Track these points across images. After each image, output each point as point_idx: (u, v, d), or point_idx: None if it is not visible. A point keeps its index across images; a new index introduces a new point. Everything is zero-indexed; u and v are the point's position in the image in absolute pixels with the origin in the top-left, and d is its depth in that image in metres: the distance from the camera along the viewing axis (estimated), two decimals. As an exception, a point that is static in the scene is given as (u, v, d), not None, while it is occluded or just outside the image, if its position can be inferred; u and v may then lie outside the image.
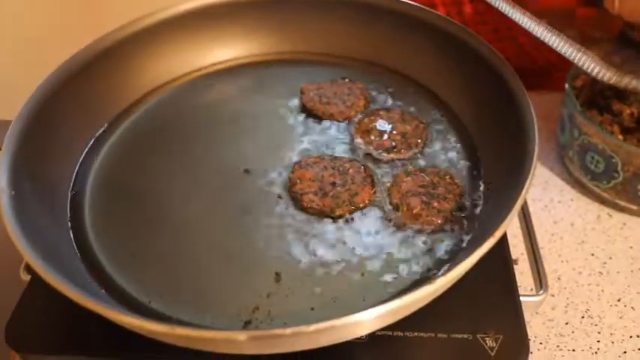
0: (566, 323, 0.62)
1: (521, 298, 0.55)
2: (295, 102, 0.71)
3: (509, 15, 0.60)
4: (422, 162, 0.63)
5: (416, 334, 0.52)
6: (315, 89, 0.71)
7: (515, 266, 0.59)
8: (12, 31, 0.94)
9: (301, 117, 0.69)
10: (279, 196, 0.60)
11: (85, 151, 0.65)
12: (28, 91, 0.61)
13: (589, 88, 0.75)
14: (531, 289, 0.61)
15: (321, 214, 0.58)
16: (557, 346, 0.60)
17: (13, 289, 0.56)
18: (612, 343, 0.60)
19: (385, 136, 0.65)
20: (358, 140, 0.65)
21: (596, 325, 0.62)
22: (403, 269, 0.53)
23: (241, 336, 0.41)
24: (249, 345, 0.43)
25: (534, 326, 0.62)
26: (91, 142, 0.66)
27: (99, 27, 0.70)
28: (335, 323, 0.41)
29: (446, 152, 0.64)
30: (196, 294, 0.53)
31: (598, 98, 0.74)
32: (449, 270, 0.44)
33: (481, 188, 0.60)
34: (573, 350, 0.60)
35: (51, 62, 0.64)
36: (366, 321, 0.43)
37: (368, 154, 0.64)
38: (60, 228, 0.57)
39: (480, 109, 0.65)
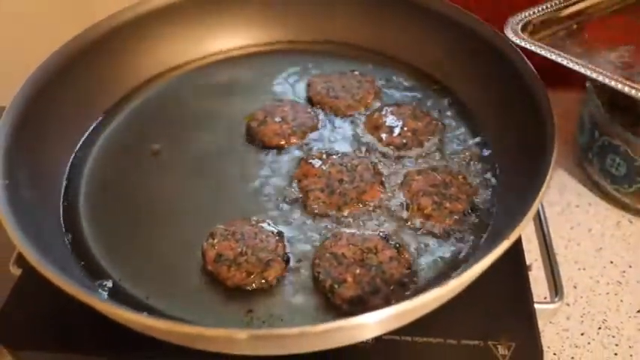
0: (582, 334, 0.64)
1: (536, 306, 0.56)
2: (302, 94, 0.72)
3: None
4: (433, 160, 0.64)
5: (425, 339, 0.53)
6: (323, 82, 0.73)
7: (528, 272, 0.60)
8: (6, 18, 0.96)
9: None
10: (284, 193, 0.61)
11: (80, 141, 0.67)
12: (22, 78, 0.62)
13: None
14: (545, 297, 0.62)
15: (327, 212, 0.59)
16: (572, 358, 0.62)
17: (3, 284, 0.57)
18: (631, 356, 0.62)
19: (395, 133, 0.66)
20: (367, 136, 0.67)
21: (613, 336, 0.63)
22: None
23: (242, 334, 0.43)
24: (251, 344, 0.44)
25: (548, 336, 0.63)
26: (87, 132, 0.68)
27: (94, 13, 0.71)
28: (342, 324, 0.43)
29: (459, 151, 0.65)
30: (194, 290, 0.54)
31: (621, 97, 0.75)
32: (461, 272, 0.46)
33: (496, 189, 0.61)
34: (589, 362, 0.62)
35: (46, 49, 0.66)
36: (374, 323, 0.45)
37: (377, 151, 0.65)
38: (53, 219, 0.59)
39: (496, 106, 0.67)
